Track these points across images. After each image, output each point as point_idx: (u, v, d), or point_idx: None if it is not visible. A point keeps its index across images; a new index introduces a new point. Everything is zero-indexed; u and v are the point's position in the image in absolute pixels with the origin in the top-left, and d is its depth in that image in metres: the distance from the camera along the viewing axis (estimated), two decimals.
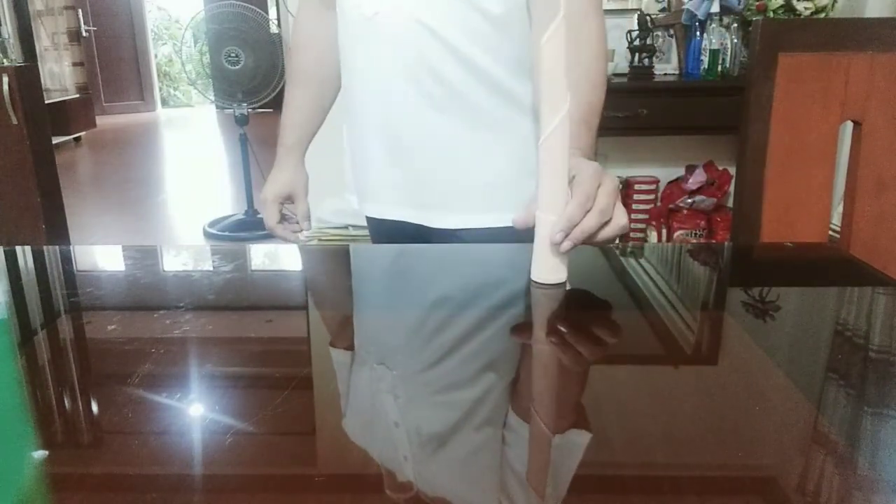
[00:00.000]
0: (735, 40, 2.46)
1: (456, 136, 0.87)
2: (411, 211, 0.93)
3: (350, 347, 0.58)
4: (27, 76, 2.85)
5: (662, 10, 2.75)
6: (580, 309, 0.65)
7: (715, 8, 2.40)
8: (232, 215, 3.86)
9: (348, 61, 0.92)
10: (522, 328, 0.62)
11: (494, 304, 0.66)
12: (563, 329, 0.60)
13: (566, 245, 0.63)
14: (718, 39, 2.44)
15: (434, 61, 0.83)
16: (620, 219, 0.64)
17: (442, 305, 0.66)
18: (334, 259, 0.87)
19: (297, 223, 1.09)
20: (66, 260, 0.81)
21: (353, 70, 0.91)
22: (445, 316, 0.64)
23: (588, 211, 0.63)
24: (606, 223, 0.64)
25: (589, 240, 0.64)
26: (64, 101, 6.23)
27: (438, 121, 0.86)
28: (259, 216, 3.79)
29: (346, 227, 2.73)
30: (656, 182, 2.80)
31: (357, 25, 0.87)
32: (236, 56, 3.48)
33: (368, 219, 1.03)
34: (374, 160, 0.93)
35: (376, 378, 0.51)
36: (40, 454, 0.42)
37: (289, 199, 1.09)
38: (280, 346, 0.60)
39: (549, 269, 0.66)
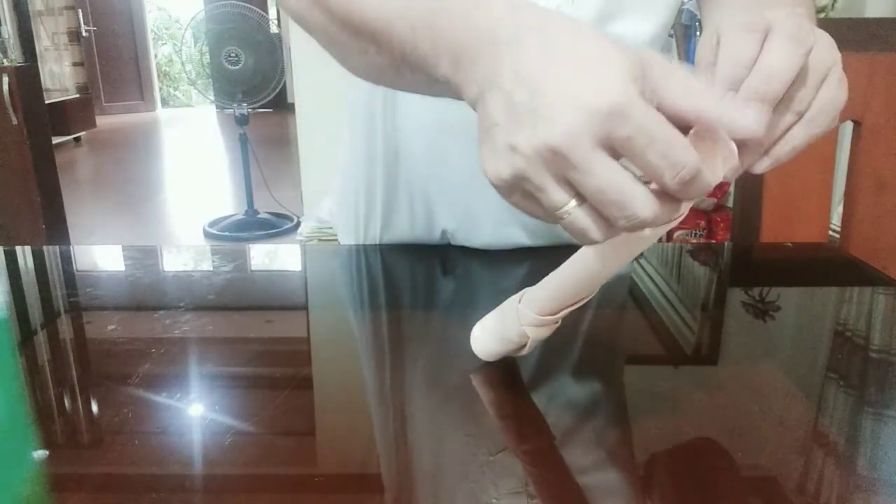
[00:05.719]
0: None
1: None
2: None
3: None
4: (27, 76, 2.85)
5: None
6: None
7: None
8: (232, 215, 3.86)
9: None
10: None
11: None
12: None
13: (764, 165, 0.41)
14: None
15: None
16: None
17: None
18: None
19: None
20: (66, 260, 0.81)
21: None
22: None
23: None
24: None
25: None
26: (64, 101, 6.22)
27: None
28: (259, 216, 3.80)
29: None
30: None
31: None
32: (236, 56, 3.48)
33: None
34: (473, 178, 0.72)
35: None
36: (40, 454, 0.42)
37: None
38: (280, 346, 0.60)
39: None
